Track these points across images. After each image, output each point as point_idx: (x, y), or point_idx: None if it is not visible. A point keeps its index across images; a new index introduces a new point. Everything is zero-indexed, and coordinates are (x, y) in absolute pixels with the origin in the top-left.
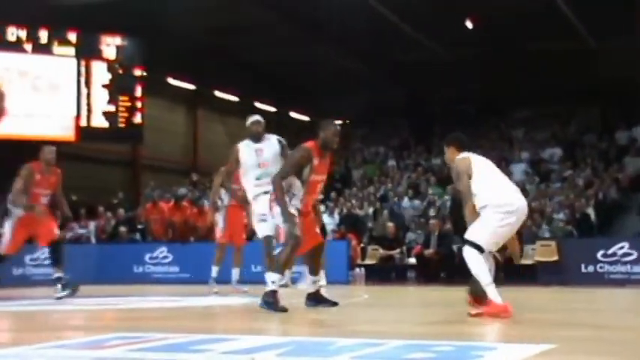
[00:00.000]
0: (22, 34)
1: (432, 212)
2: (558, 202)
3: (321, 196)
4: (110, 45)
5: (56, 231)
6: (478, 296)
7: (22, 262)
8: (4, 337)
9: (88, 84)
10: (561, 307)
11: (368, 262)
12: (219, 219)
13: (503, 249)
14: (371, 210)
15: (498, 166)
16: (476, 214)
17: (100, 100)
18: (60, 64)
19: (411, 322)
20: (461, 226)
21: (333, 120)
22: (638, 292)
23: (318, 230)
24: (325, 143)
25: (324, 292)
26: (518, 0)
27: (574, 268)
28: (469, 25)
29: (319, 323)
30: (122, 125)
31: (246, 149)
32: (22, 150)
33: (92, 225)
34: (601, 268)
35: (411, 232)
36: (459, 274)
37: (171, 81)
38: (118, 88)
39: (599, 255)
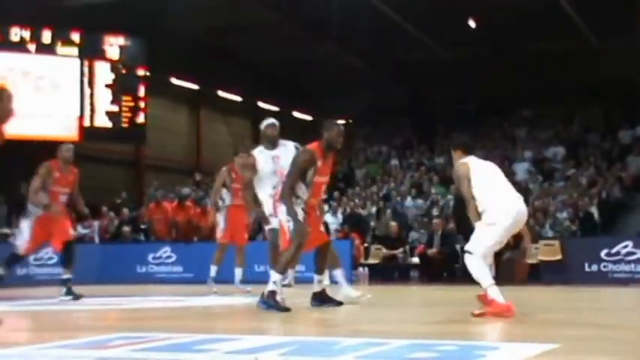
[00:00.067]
0: (26, 34)
1: (435, 211)
2: (562, 201)
3: (324, 196)
4: (113, 45)
5: (71, 231)
6: None
7: (26, 261)
8: (8, 337)
9: (91, 84)
10: (565, 306)
11: (371, 261)
12: (220, 219)
13: (516, 247)
14: (374, 209)
15: (501, 165)
16: (479, 216)
17: (104, 100)
18: (63, 64)
19: (414, 322)
20: (464, 226)
21: (336, 120)
22: None
23: (322, 229)
24: (329, 144)
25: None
26: (519, 0)
27: (577, 268)
28: (472, 24)
29: (322, 323)
30: (125, 125)
31: (261, 156)
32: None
33: (95, 225)
34: (605, 267)
35: (414, 232)
36: (462, 273)
37: (174, 81)
38: (121, 88)
39: (602, 254)
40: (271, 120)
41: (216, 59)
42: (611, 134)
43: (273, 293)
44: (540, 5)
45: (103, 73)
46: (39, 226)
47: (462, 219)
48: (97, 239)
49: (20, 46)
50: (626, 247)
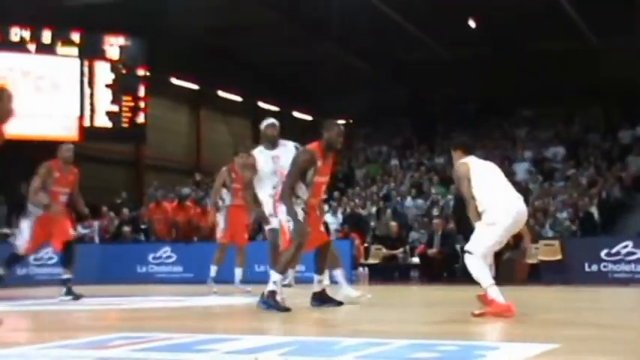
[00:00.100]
0: (26, 34)
1: (435, 211)
2: (562, 201)
3: (324, 196)
4: (113, 45)
5: (71, 232)
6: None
7: (26, 261)
8: (8, 337)
9: (91, 84)
10: (565, 306)
11: (371, 261)
12: (220, 219)
13: (516, 247)
14: (374, 209)
15: (501, 165)
16: (479, 216)
17: (104, 100)
18: (63, 64)
19: (414, 322)
20: (464, 226)
21: (336, 120)
22: None
23: (322, 229)
24: (329, 144)
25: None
26: (519, 0)
27: (577, 268)
28: (472, 24)
29: (322, 323)
30: (125, 125)
31: (261, 156)
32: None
33: (95, 225)
34: (605, 267)
35: (414, 232)
36: (462, 273)
37: (174, 81)
38: (121, 88)
39: (602, 254)
40: (271, 120)
41: (216, 59)
42: (612, 134)
43: (273, 293)
44: (540, 5)
45: (103, 73)
46: (39, 226)
47: (462, 219)
48: (97, 239)
49: (20, 46)
50: (626, 247)
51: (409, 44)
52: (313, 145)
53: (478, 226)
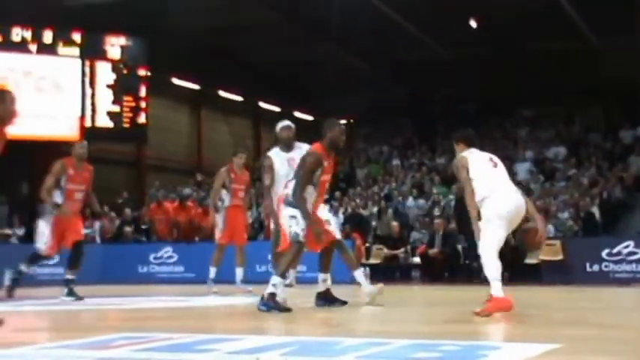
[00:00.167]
0: (27, 34)
1: (436, 211)
2: (563, 201)
3: (326, 196)
4: (114, 45)
5: (82, 232)
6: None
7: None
8: (9, 337)
9: (92, 84)
10: (566, 306)
11: (372, 261)
12: (219, 220)
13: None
14: (375, 209)
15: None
16: (475, 202)
17: (105, 100)
18: (64, 65)
19: (415, 322)
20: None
21: (337, 119)
22: None
23: (328, 228)
24: (332, 143)
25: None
26: (519, 0)
27: (579, 267)
28: (473, 24)
29: (323, 323)
30: (127, 125)
31: (277, 159)
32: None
33: (97, 225)
34: (606, 267)
35: (415, 232)
36: (463, 273)
37: (175, 81)
38: (122, 88)
39: (604, 254)
40: (286, 122)
41: (216, 59)
42: (613, 134)
43: (272, 295)
44: (540, 5)
45: (105, 73)
46: (57, 226)
47: (463, 219)
48: (98, 239)
49: (21, 47)
50: (627, 247)
51: (409, 44)
52: (317, 146)
53: (481, 225)
